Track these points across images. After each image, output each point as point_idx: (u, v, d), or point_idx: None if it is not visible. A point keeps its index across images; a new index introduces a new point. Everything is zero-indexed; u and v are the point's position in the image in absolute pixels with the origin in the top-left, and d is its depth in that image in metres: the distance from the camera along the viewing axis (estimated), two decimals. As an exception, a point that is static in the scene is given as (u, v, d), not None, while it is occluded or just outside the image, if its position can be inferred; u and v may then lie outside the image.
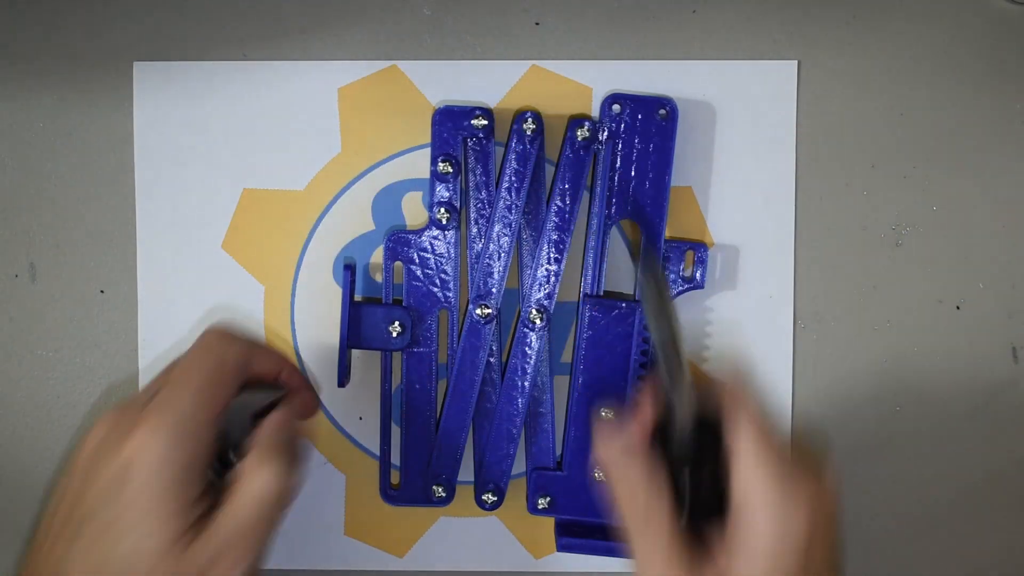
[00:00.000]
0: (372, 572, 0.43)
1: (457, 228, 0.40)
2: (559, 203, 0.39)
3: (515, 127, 0.39)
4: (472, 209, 0.40)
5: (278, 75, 0.42)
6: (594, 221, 0.40)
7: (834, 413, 0.42)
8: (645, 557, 0.33)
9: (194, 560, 0.31)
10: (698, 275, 0.40)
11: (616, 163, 0.40)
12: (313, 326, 0.42)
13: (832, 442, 0.42)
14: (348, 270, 0.39)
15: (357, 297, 0.42)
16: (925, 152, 0.42)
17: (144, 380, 0.42)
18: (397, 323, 0.40)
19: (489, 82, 0.41)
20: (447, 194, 0.40)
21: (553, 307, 0.40)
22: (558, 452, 0.41)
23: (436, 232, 0.40)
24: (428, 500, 0.41)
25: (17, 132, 0.42)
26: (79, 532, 0.31)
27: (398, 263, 0.40)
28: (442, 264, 0.40)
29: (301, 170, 0.42)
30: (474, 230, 0.40)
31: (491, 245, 0.40)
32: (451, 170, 0.39)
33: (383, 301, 0.40)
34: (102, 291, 0.42)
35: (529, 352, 0.40)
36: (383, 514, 0.43)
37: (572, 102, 0.42)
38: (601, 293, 0.40)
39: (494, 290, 0.40)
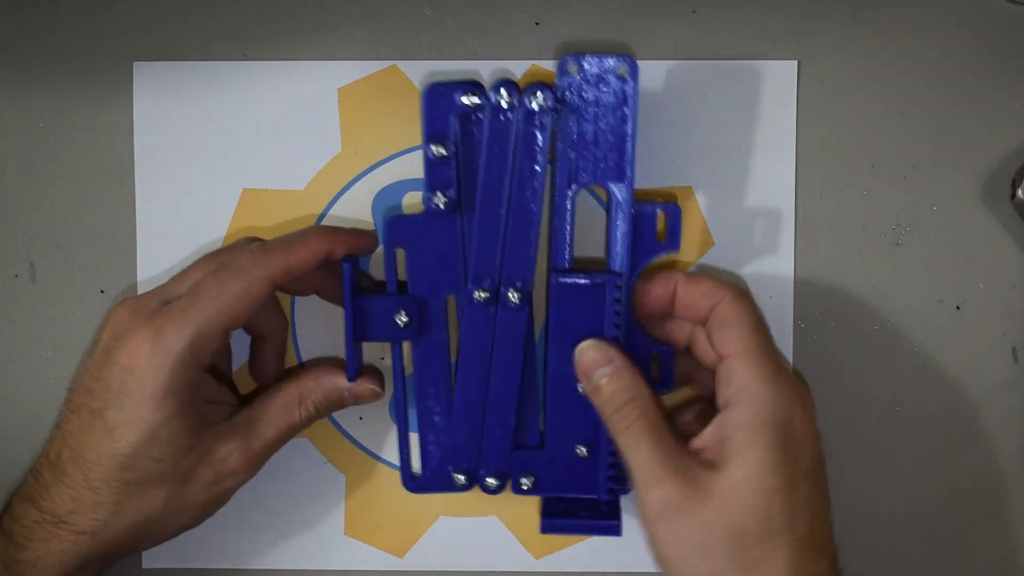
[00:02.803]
0: (372, 572, 0.43)
1: (456, 210, 0.38)
2: (521, 176, 0.38)
3: (491, 103, 0.37)
4: (479, 189, 0.38)
5: (278, 75, 0.42)
6: (557, 190, 0.38)
7: (834, 413, 0.42)
8: (639, 455, 0.35)
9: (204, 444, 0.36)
10: (671, 237, 0.39)
11: (577, 127, 0.38)
12: (314, 326, 0.42)
13: (832, 442, 0.42)
14: (348, 262, 0.38)
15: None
16: (925, 152, 0.42)
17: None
18: (403, 312, 0.38)
19: (489, 82, 0.41)
20: (442, 176, 0.38)
21: (531, 284, 0.39)
22: (537, 432, 0.40)
23: (436, 215, 0.38)
24: (450, 486, 0.40)
25: (17, 132, 0.42)
26: (91, 423, 0.35)
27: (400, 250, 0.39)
28: (444, 248, 0.38)
29: (301, 170, 0.42)
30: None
31: (480, 226, 0.38)
32: (444, 152, 0.38)
33: (387, 290, 0.39)
34: (102, 291, 0.42)
35: (511, 333, 0.39)
36: (383, 514, 0.43)
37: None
38: (569, 266, 0.39)
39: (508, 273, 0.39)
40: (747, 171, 0.42)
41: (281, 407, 0.38)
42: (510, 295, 0.38)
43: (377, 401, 0.40)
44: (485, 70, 0.42)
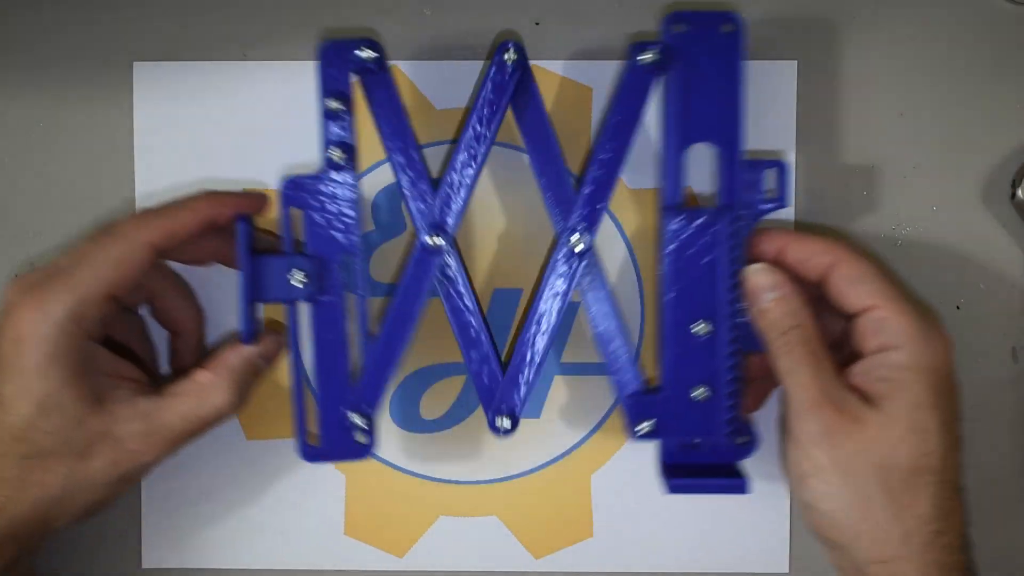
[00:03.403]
0: (372, 572, 0.43)
1: (354, 168, 0.38)
2: (611, 138, 0.38)
3: (496, 57, 0.38)
4: (388, 142, 0.38)
5: (278, 75, 0.42)
6: (668, 145, 0.38)
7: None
8: (798, 379, 0.35)
9: (101, 426, 0.36)
10: (780, 193, 0.38)
11: (685, 84, 0.38)
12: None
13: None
14: (243, 221, 0.38)
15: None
16: (925, 152, 0.42)
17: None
18: (299, 272, 0.38)
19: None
20: (340, 132, 0.38)
21: (593, 240, 0.38)
22: (641, 377, 0.39)
23: (333, 174, 0.38)
24: (349, 453, 0.39)
25: (17, 132, 0.42)
26: None
27: (296, 210, 0.38)
28: (342, 207, 0.38)
29: (301, 170, 0.42)
30: (390, 163, 0.39)
31: (453, 175, 0.38)
32: (342, 107, 0.38)
33: (284, 250, 0.38)
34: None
35: (562, 281, 0.38)
36: (383, 514, 0.43)
37: (572, 102, 0.42)
38: (680, 204, 0.38)
39: (450, 220, 0.38)
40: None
41: (192, 397, 0.37)
42: (573, 240, 0.38)
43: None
44: (485, 70, 0.42)
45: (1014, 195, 0.41)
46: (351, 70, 0.38)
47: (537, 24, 0.42)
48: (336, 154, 0.38)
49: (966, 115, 0.42)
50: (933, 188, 0.42)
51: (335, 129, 0.38)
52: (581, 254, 0.38)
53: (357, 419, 0.38)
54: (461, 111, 0.42)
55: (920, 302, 0.36)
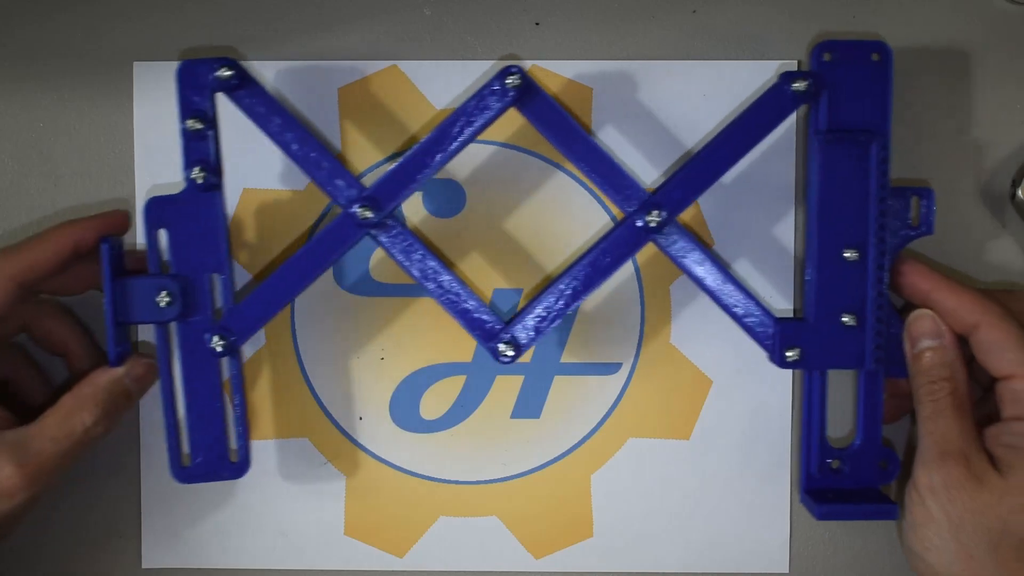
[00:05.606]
0: (372, 572, 0.43)
1: (219, 187, 0.38)
2: (726, 142, 0.38)
3: (497, 78, 0.37)
4: (283, 143, 0.38)
5: (278, 75, 0.42)
6: (815, 169, 0.38)
7: (835, 413, 0.42)
8: (936, 428, 0.36)
9: None
10: (925, 220, 0.39)
11: (832, 113, 0.38)
12: (314, 326, 0.42)
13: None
14: (107, 243, 0.38)
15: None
16: (925, 152, 0.42)
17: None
18: (164, 292, 0.38)
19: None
20: (202, 153, 0.38)
21: (667, 222, 0.38)
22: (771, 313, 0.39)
23: (197, 193, 0.38)
24: (222, 473, 0.39)
25: (17, 132, 0.42)
26: None
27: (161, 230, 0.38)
28: (206, 225, 0.38)
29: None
30: (292, 159, 0.38)
31: (410, 160, 0.38)
32: (202, 126, 0.38)
33: (149, 271, 0.38)
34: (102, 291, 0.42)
35: (619, 249, 0.38)
36: (383, 514, 0.43)
37: (572, 102, 0.42)
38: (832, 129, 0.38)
39: (390, 199, 0.38)
40: (747, 171, 0.42)
41: (59, 418, 0.37)
42: (650, 217, 0.38)
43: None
44: (485, 70, 0.42)
45: (1014, 195, 0.41)
46: (212, 89, 0.38)
47: (537, 24, 0.42)
48: (198, 174, 0.38)
49: (966, 115, 0.42)
50: (933, 188, 0.42)
51: (195, 148, 0.38)
52: (651, 230, 0.38)
53: (217, 341, 0.38)
54: (461, 111, 0.42)
55: None
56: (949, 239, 0.42)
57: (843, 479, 0.40)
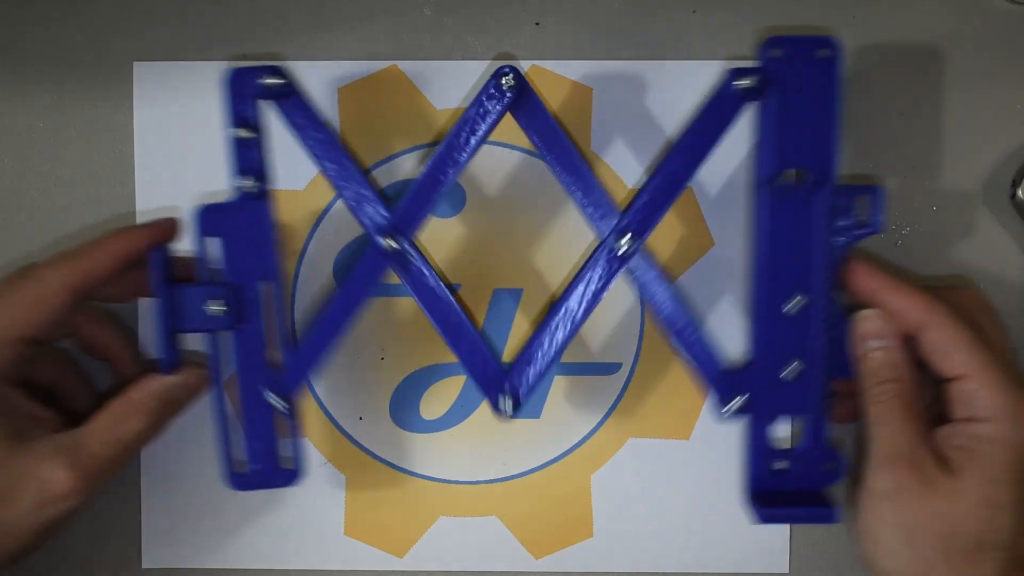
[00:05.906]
0: (372, 572, 0.43)
1: (267, 195, 0.38)
2: (683, 152, 0.38)
3: (492, 80, 0.37)
4: (321, 161, 0.38)
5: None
6: (762, 170, 0.38)
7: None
8: (883, 431, 0.36)
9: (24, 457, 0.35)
10: (873, 219, 0.38)
11: (781, 110, 0.38)
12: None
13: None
14: (157, 251, 0.38)
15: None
16: (925, 152, 0.42)
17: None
18: (219, 301, 0.38)
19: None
20: (248, 160, 0.38)
21: (641, 244, 0.38)
22: (722, 358, 0.39)
23: (245, 202, 0.38)
24: (276, 481, 0.39)
25: (17, 132, 0.42)
26: None
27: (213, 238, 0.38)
28: (256, 233, 0.38)
29: (301, 170, 0.42)
30: (327, 178, 0.38)
31: (421, 182, 0.38)
32: (250, 134, 0.38)
33: (201, 280, 0.38)
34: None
35: (598, 279, 0.38)
36: (383, 514, 0.43)
37: (572, 102, 0.42)
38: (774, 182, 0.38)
39: (410, 224, 0.38)
40: (747, 171, 0.42)
41: (110, 422, 0.37)
42: (619, 244, 0.38)
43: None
44: (485, 70, 0.42)
45: (1014, 195, 0.41)
46: (258, 97, 0.38)
47: (537, 24, 0.42)
48: (248, 183, 0.38)
49: (966, 115, 0.42)
50: (933, 188, 0.42)
51: (244, 157, 0.38)
52: (624, 257, 0.38)
53: (273, 399, 0.38)
54: (461, 111, 0.42)
55: (1016, 373, 0.35)
56: (948, 239, 0.42)
57: (788, 481, 0.39)
